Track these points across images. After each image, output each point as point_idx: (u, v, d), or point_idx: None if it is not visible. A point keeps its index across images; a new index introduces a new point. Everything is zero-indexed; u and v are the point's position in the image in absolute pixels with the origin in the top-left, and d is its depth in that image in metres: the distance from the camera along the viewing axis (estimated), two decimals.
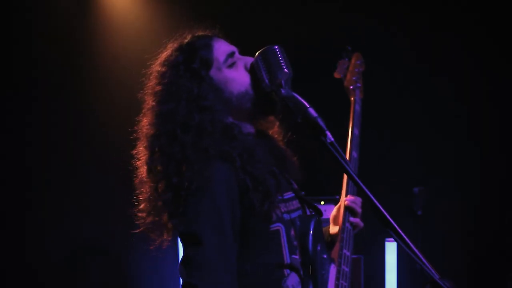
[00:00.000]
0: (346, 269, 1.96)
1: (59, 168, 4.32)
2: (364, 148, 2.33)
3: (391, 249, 4.48)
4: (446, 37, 4.64)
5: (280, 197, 1.77)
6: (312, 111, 1.59)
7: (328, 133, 1.54)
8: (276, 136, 1.99)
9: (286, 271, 1.71)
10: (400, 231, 1.44)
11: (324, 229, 2.09)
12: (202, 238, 1.59)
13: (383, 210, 1.46)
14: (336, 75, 2.53)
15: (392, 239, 4.02)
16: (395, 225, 1.45)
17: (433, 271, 1.39)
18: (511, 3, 4.48)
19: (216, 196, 1.62)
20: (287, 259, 1.71)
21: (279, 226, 1.71)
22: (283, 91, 1.70)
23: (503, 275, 4.22)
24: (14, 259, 4.11)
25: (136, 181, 1.79)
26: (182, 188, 1.63)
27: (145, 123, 1.79)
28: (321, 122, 1.56)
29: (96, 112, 4.43)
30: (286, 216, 1.76)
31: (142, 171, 1.76)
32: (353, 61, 2.56)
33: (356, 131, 2.30)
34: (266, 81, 1.74)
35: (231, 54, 1.82)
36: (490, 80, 4.59)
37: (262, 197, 1.66)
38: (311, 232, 1.78)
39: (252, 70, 1.78)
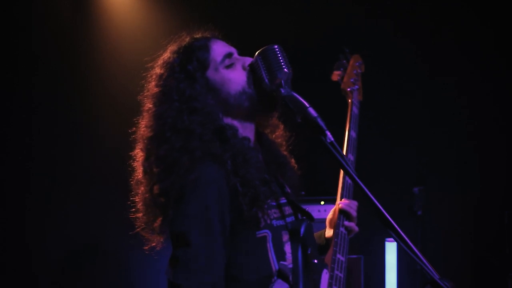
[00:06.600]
0: (340, 274, 1.90)
1: (59, 169, 4.32)
2: (364, 148, 2.31)
3: (391, 249, 4.47)
4: (446, 37, 4.64)
5: (274, 203, 1.77)
6: (312, 110, 1.59)
7: (328, 133, 1.54)
8: (279, 139, 1.98)
9: (273, 278, 1.69)
10: (400, 231, 1.44)
11: (319, 232, 2.08)
12: (190, 239, 1.60)
13: (383, 210, 1.46)
14: (333, 77, 2.45)
15: (392, 239, 4.01)
16: (395, 224, 1.45)
17: (433, 271, 1.39)
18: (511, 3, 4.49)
19: (204, 197, 1.62)
20: (274, 266, 1.69)
21: (266, 233, 1.70)
22: (283, 91, 1.69)
23: (503, 275, 4.21)
24: (15, 260, 4.11)
25: (132, 182, 1.80)
26: (172, 190, 1.64)
27: (142, 124, 1.80)
28: (321, 122, 1.56)
29: (96, 113, 4.42)
30: (275, 222, 1.74)
31: (139, 172, 1.78)
32: (351, 62, 2.47)
33: (353, 134, 2.24)
34: (266, 80, 1.73)
35: (229, 55, 1.81)
36: (490, 80, 4.58)
37: (251, 202, 1.65)
38: (301, 237, 1.77)
39: (252, 70, 1.78)
